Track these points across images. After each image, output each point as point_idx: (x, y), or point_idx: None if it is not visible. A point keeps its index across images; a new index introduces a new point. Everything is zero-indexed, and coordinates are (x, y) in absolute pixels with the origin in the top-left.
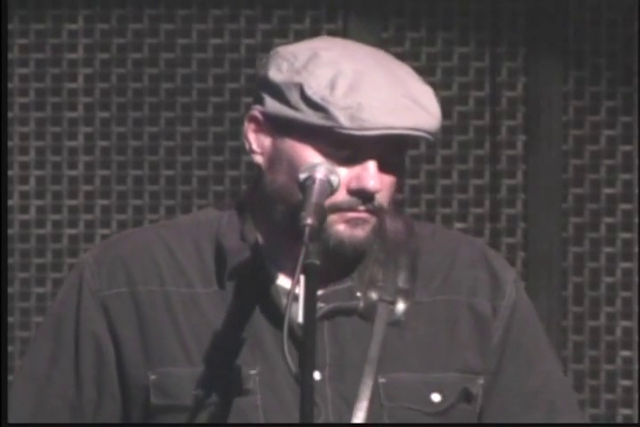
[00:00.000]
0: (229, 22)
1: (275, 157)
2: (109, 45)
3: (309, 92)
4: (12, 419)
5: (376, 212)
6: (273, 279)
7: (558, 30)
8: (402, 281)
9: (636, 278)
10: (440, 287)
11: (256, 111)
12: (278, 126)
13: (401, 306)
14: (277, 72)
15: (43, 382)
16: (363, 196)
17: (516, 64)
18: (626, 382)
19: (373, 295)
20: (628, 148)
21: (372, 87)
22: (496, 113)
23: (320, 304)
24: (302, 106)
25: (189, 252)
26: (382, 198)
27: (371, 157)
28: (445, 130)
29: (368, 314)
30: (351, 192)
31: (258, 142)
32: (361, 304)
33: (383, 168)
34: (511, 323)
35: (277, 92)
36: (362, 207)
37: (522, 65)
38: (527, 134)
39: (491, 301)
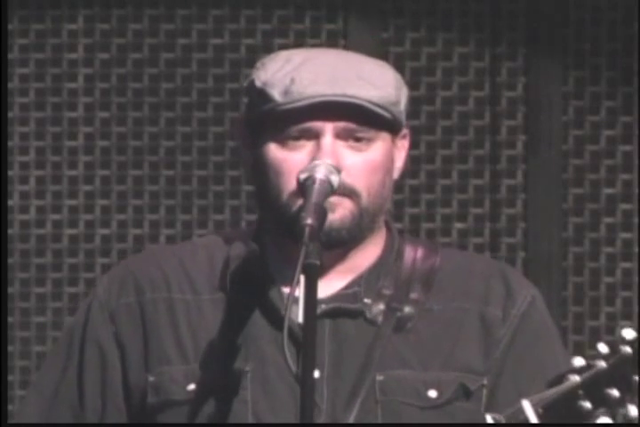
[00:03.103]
0: (229, 22)
1: (257, 166)
2: (109, 45)
3: (256, 82)
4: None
5: (347, 194)
6: (274, 283)
7: (558, 30)
8: (414, 293)
9: (636, 278)
10: (452, 296)
11: (237, 126)
12: (250, 133)
13: (409, 313)
14: (247, 80)
15: (52, 393)
16: None
17: (516, 64)
18: None
19: (381, 302)
20: (627, 148)
21: (314, 65)
22: (496, 113)
23: (322, 305)
24: (254, 100)
25: (202, 265)
26: (351, 179)
27: (325, 135)
28: (445, 130)
29: (374, 319)
30: None
31: (245, 153)
32: (364, 308)
33: (350, 148)
34: (518, 332)
35: (246, 98)
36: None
37: (522, 65)
38: (527, 134)
39: (502, 309)
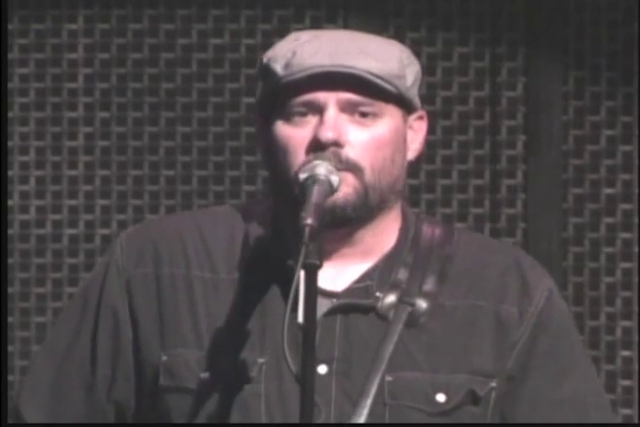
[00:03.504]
0: (229, 22)
1: (267, 146)
2: (109, 45)
3: (264, 60)
4: (30, 389)
5: (350, 169)
6: (294, 269)
7: (558, 30)
8: (428, 284)
9: (636, 278)
10: (466, 293)
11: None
12: (262, 116)
13: (421, 308)
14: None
15: (63, 354)
16: (320, 148)
17: (516, 64)
18: (626, 382)
19: (393, 296)
20: (627, 148)
21: (319, 41)
22: (496, 113)
23: (333, 300)
24: (261, 80)
25: (221, 239)
26: (354, 154)
27: (329, 108)
28: (445, 130)
29: (385, 314)
30: (311, 147)
31: (261, 141)
32: (377, 303)
33: (355, 122)
34: (539, 331)
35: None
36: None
37: (522, 65)
38: (527, 134)
39: (518, 307)
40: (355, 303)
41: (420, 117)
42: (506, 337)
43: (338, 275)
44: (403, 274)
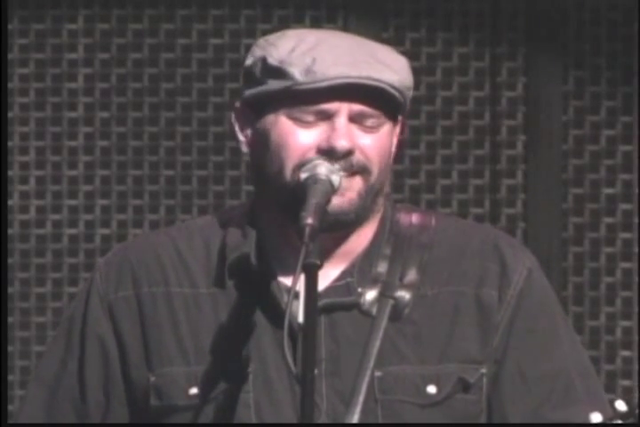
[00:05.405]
0: (229, 22)
1: (258, 142)
2: (109, 45)
3: (270, 60)
4: (24, 419)
5: (360, 172)
6: (275, 276)
7: (558, 30)
8: (408, 276)
9: (636, 278)
10: (446, 280)
11: (236, 102)
12: (254, 110)
13: (404, 300)
14: (250, 58)
15: (53, 384)
16: (333, 155)
17: (516, 64)
18: (626, 382)
19: (374, 291)
20: (628, 148)
21: (331, 46)
22: (496, 113)
23: None
24: (265, 77)
25: (198, 252)
26: (364, 157)
27: (340, 116)
28: (445, 130)
29: (369, 310)
30: (321, 152)
31: (243, 133)
32: (359, 300)
33: (362, 129)
34: (518, 311)
35: (248, 76)
36: (336, 166)
37: (522, 65)
38: (527, 134)
39: (498, 290)
40: (337, 302)
41: (399, 123)
42: (488, 321)
43: (320, 275)
44: (382, 267)
